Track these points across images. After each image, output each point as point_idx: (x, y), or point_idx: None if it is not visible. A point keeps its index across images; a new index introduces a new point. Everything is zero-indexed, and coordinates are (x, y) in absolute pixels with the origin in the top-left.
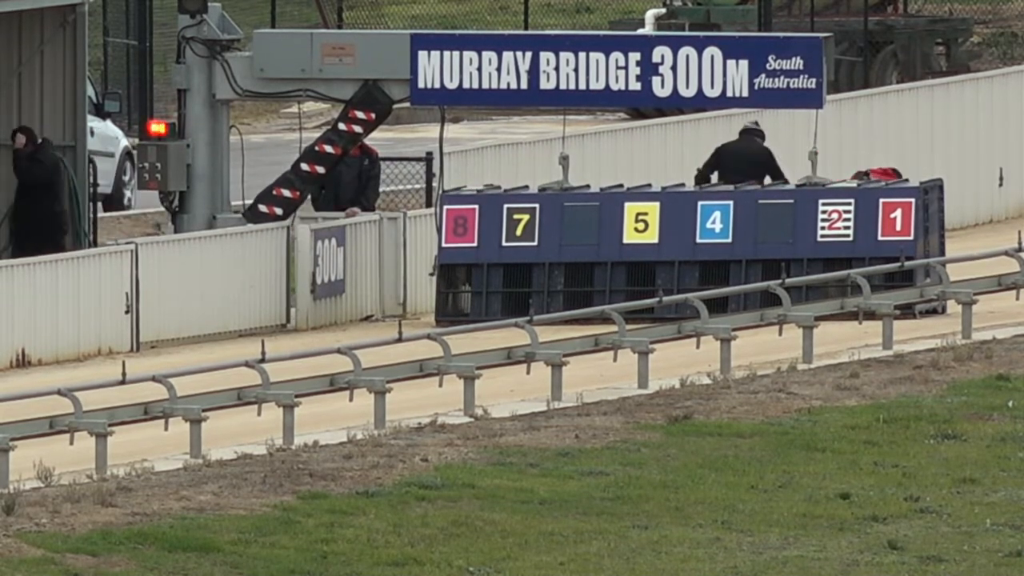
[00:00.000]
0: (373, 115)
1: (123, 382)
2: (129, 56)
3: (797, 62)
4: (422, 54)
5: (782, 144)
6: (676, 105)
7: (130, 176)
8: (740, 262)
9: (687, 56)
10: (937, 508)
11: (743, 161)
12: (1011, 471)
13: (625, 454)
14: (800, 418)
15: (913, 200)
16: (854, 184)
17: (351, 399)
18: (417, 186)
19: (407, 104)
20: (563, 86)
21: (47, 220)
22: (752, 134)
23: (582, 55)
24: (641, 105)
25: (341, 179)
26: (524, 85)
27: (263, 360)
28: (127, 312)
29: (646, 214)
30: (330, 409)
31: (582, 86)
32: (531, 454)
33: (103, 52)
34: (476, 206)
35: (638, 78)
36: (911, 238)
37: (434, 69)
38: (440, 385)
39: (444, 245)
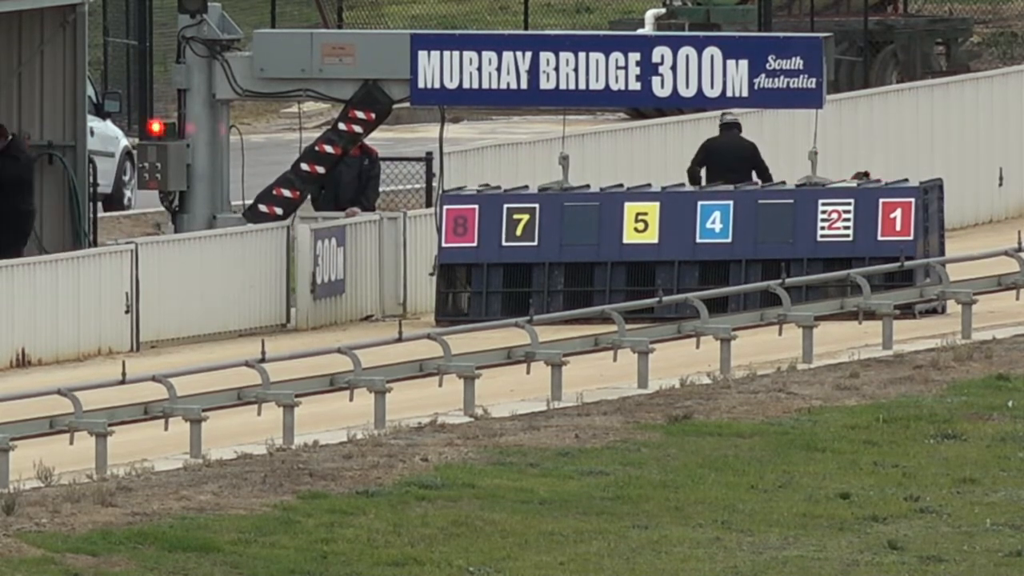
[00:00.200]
0: (373, 115)
1: (123, 382)
2: (129, 56)
3: (797, 62)
4: (422, 54)
5: (782, 144)
6: (676, 105)
7: (130, 176)
8: (740, 262)
9: (687, 56)
10: (937, 508)
11: (731, 157)
12: (1011, 471)
13: (625, 454)
14: (800, 418)
15: (913, 200)
16: (854, 184)
17: (351, 399)
18: (417, 186)
19: (407, 104)
20: (563, 86)
21: (13, 218)
22: (734, 128)
23: (582, 55)
24: (641, 105)
25: (341, 179)
26: (524, 85)
27: (263, 360)
28: (127, 312)
29: (646, 214)
30: (330, 409)
31: (582, 86)
32: (531, 454)
33: (103, 52)
34: (476, 206)
35: (638, 78)
36: (911, 238)
37: (434, 69)
38: (440, 385)
39: (444, 245)
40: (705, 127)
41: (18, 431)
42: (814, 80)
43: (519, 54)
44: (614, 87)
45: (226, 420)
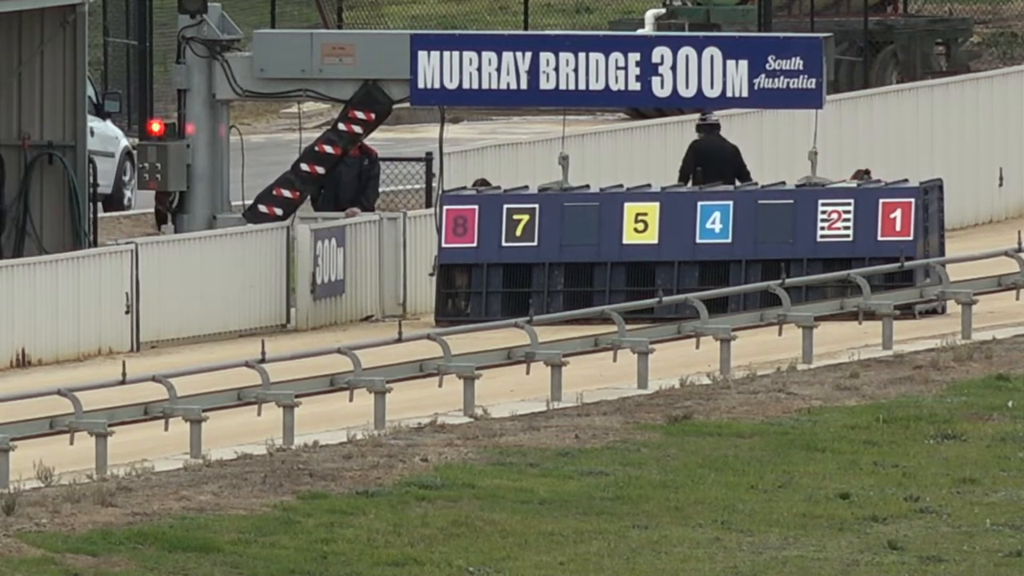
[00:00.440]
0: (373, 115)
1: (123, 382)
2: (129, 56)
3: (797, 62)
4: (422, 54)
5: (782, 144)
6: (676, 105)
7: (130, 176)
8: (740, 262)
9: (687, 56)
10: (937, 508)
11: (719, 160)
12: (1011, 471)
13: (625, 454)
14: (800, 418)
15: (913, 200)
16: (854, 184)
17: (351, 399)
18: (417, 186)
19: (407, 104)
20: (563, 86)
21: None
22: (716, 129)
23: (582, 55)
24: (641, 105)
25: (341, 179)
26: (524, 85)
27: (263, 360)
28: (127, 312)
29: (646, 214)
30: (330, 409)
31: (582, 86)
32: (531, 454)
33: (103, 52)
34: (476, 206)
35: (638, 78)
36: (911, 238)
37: (434, 69)
38: (440, 385)
39: (444, 245)
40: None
41: (18, 431)
42: (814, 80)
43: (519, 54)
44: (614, 87)
45: (226, 420)
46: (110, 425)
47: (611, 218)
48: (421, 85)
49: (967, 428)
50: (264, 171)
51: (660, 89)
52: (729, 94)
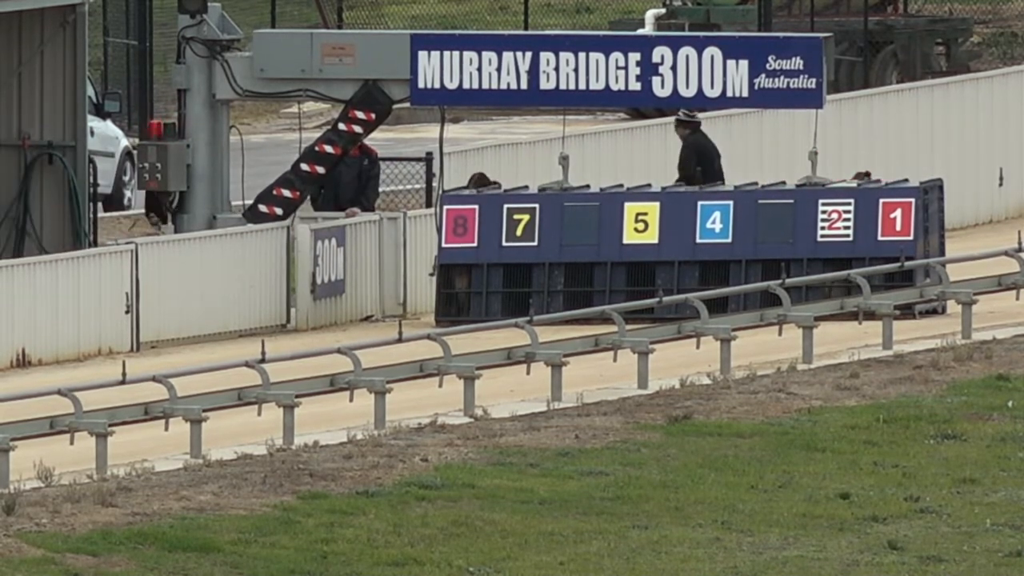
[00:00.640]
0: (373, 115)
1: (123, 382)
2: (129, 56)
3: (797, 62)
4: (422, 54)
5: (782, 144)
6: (676, 105)
7: (130, 176)
8: (740, 262)
9: (687, 56)
10: (937, 508)
11: (713, 157)
12: (1011, 471)
13: (625, 454)
14: (800, 418)
15: (913, 200)
16: (854, 184)
17: (351, 399)
18: (417, 186)
19: (407, 104)
20: (563, 86)
21: None
22: (699, 127)
23: (582, 55)
24: (641, 105)
25: (341, 179)
26: (524, 85)
27: (263, 360)
28: (127, 312)
29: (646, 214)
30: (330, 409)
31: (582, 86)
32: (531, 454)
33: (103, 52)
34: (476, 206)
35: (638, 78)
36: (911, 238)
37: (434, 69)
38: (440, 385)
39: (444, 245)
40: (706, 127)
41: (18, 431)
42: (814, 80)
43: (519, 54)
44: (614, 87)
45: (226, 420)
46: (110, 425)
47: (611, 218)
48: (421, 85)
49: (967, 428)
50: (264, 171)
51: (660, 89)
52: (729, 94)
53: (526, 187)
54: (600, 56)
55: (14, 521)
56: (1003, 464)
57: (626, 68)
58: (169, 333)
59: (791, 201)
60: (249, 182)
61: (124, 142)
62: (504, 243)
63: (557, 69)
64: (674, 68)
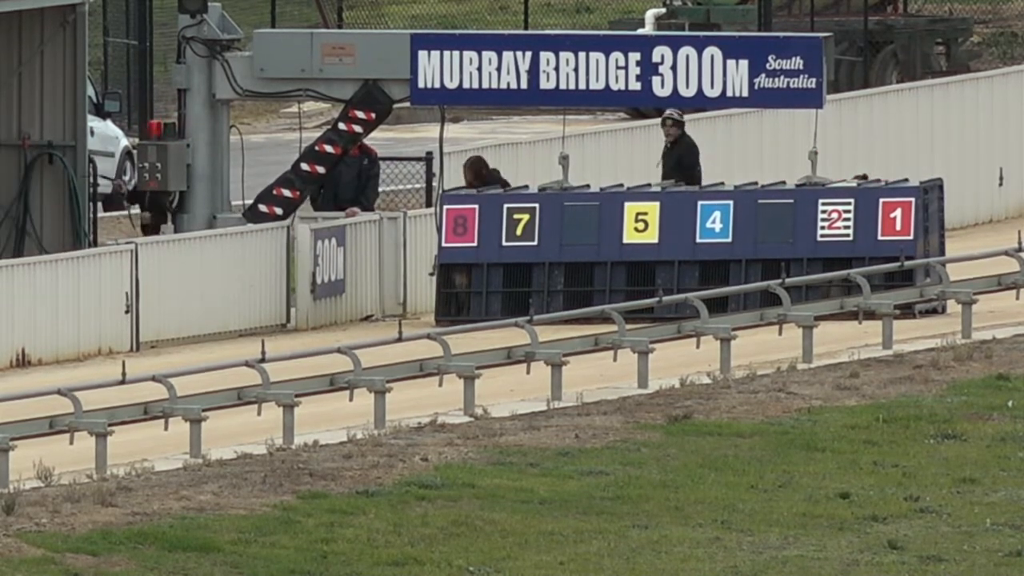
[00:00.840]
0: (373, 115)
1: (123, 382)
2: (129, 56)
3: (797, 62)
4: (422, 54)
5: (782, 144)
6: (676, 105)
7: (130, 176)
8: (740, 262)
9: (687, 56)
10: (937, 508)
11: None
12: (1011, 471)
13: (625, 454)
14: (800, 418)
15: (913, 200)
16: (854, 184)
17: (351, 399)
18: (417, 186)
19: (407, 104)
20: (563, 86)
21: None
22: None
23: (582, 55)
24: (641, 105)
25: (340, 179)
26: (524, 85)
27: (263, 360)
28: (127, 312)
29: (646, 214)
30: (330, 409)
31: (582, 86)
32: (531, 454)
33: (103, 52)
34: (476, 206)
35: (638, 78)
36: (911, 238)
37: (434, 69)
38: (440, 385)
39: (444, 245)
40: (705, 127)
41: (18, 431)
42: (814, 80)
43: (519, 54)
44: (614, 87)
45: (226, 420)
46: (110, 425)
47: (611, 218)
48: (421, 85)
49: (967, 428)
50: (264, 171)
51: (660, 89)
52: (729, 94)
53: (526, 187)
54: (600, 56)
55: (14, 521)
56: (1003, 464)
57: (626, 68)
58: (169, 333)
59: (791, 201)
60: (249, 182)
61: (124, 142)
62: (504, 243)
63: (557, 69)
64: (674, 68)
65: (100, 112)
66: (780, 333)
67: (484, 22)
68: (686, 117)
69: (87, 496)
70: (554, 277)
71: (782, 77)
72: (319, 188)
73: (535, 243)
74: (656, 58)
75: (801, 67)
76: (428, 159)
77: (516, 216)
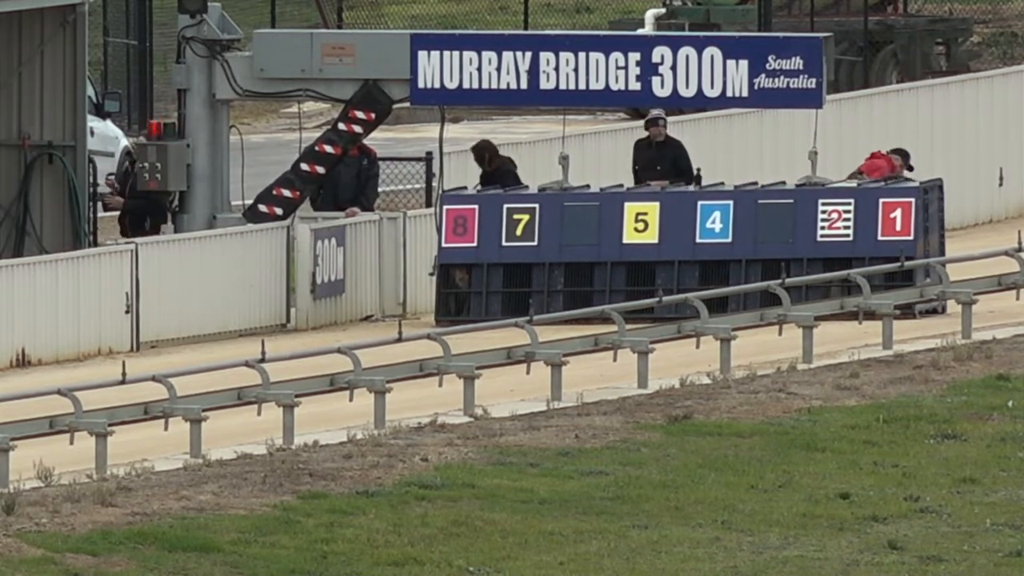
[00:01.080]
0: (373, 115)
1: (123, 382)
2: (129, 56)
3: (797, 62)
4: (422, 54)
5: (782, 144)
6: (676, 105)
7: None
8: (740, 262)
9: (687, 56)
10: (937, 508)
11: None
12: (1011, 471)
13: (625, 454)
14: (800, 418)
15: (913, 200)
16: (854, 184)
17: (351, 399)
18: (417, 186)
19: (407, 104)
20: (563, 86)
21: None
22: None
23: (582, 55)
24: (641, 105)
25: (340, 179)
26: (524, 85)
27: (263, 360)
28: (127, 312)
29: (646, 214)
30: (330, 409)
31: (582, 86)
32: (531, 454)
33: (103, 52)
34: (476, 206)
35: (638, 78)
36: (911, 238)
37: (434, 69)
38: (440, 385)
39: (444, 245)
40: (705, 127)
41: (18, 431)
42: (814, 80)
43: (519, 54)
44: (614, 87)
45: (226, 420)
46: (110, 425)
47: (611, 218)
48: (421, 85)
49: (967, 428)
50: (264, 171)
51: (660, 89)
52: (729, 94)
53: (526, 187)
54: (600, 56)
55: (14, 521)
56: (1003, 464)
57: (626, 68)
58: (169, 333)
59: (791, 201)
60: (249, 182)
61: (124, 142)
62: (504, 243)
63: (557, 69)
64: (674, 68)
65: (100, 112)
66: (780, 333)
67: (484, 22)
68: (686, 117)
69: (87, 496)
70: (554, 277)
71: (782, 77)
72: (319, 188)
73: (535, 243)
74: (656, 58)
75: (801, 67)
76: (428, 159)
77: (516, 216)
